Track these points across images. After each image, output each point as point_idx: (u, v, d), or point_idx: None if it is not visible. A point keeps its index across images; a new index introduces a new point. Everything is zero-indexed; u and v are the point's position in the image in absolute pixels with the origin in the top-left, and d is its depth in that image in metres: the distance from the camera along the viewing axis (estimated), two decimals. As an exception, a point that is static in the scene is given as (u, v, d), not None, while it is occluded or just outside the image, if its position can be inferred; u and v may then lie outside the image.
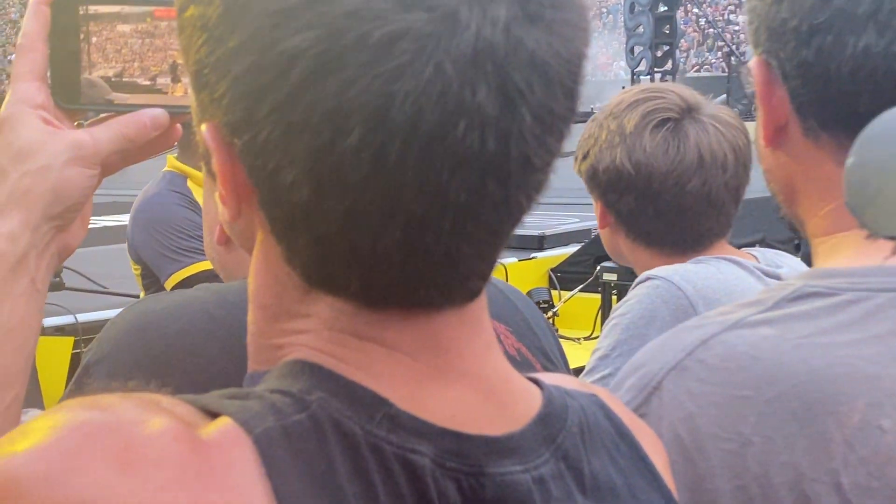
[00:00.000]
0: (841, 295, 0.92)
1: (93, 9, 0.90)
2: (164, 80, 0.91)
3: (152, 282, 3.34)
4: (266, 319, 0.67)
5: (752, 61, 0.99)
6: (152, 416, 0.57)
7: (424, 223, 0.59)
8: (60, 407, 0.59)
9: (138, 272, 3.39)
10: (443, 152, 0.57)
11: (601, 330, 4.25)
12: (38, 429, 0.57)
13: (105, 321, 3.65)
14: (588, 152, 1.80)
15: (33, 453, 0.55)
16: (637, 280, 1.76)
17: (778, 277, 1.75)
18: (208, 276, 3.23)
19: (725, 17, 35.65)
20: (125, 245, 3.41)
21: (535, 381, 0.70)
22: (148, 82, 0.90)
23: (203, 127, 0.63)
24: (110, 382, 1.12)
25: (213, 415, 0.59)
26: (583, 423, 0.69)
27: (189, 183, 3.36)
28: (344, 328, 0.63)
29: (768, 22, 0.95)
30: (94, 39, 0.89)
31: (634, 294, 1.74)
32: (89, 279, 4.63)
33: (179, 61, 0.90)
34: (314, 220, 0.60)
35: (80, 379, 1.17)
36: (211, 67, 0.60)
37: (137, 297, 4.16)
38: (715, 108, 1.79)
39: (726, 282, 1.72)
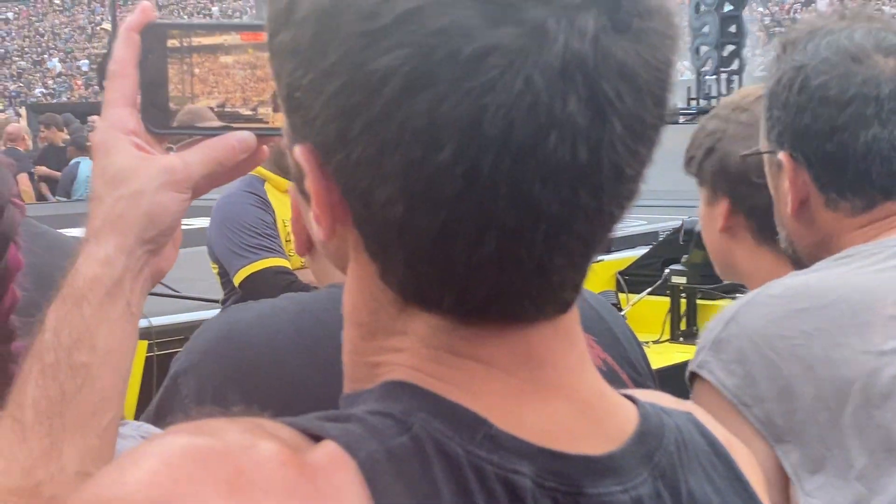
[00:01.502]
0: (872, 254, 1.33)
1: (187, 38, 0.91)
2: (265, 110, 0.92)
3: (228, 280, 3.42)
4: (362, 337, 0.67)
5: (782, 156, 1.39)
6: (259, 440, 0.58)
7: (517, 235, 0.59)
8: (168, 432, 0.60)
9: (216, 271, 3.49)
10: (535, 164, 0.57)
11: (669, 333, 4.21)
12: (148, 455, 0.58)
13: (179, 325, 3.69)
14: (713, 147, 1.73)
15: (145, 480, 0.56)
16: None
17: None
18: (274, 273, 3.34)
19: (791, 15, 35.19)
20: (199, 249, 3.47)
21: (629, 398, 0.70)
22: (250, 112, 0.92)
23: (296, 149, 0.64)
24: (198, 391, 1.14)
25: (316, 438, 0.60)
26: (679, 441, 0.68)
27: (267, 186, 3.44)
28: (440, 345, 0.63)
29: (793, 127, 1.37)
30: (196, 70, 0.91)
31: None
32: (163, 283, 4.68)
33: (273, 102, 0.92)
34: (408, 237, 0.60)
35: (169, 388, 1.19)
36: (303, 90, 0.61)
37: (210, 300, 4.21)
38: None
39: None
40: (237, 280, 3.35)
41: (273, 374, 1.11)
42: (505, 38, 0.56)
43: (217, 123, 0.92)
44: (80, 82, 39.27)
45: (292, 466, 0.57)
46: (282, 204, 3.43)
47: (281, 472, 0.56)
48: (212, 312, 4.22)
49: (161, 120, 0.91)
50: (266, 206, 3.41)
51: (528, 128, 0.56)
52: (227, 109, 0.91)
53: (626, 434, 0.66)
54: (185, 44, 0.91)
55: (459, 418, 0.61)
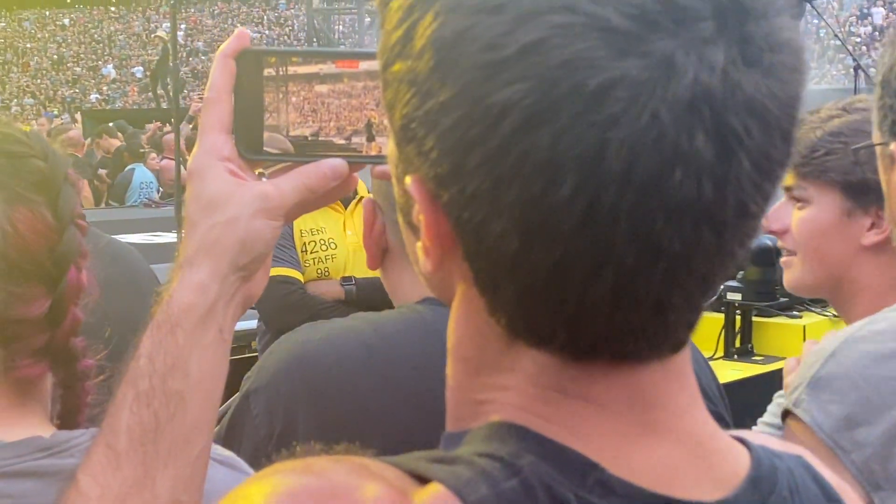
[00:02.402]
0: None
1: (283, 66, 0.91)
2: (358, 140, 0.92)
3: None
4: (467, 373, 0.66)
5: (895, 147, 1.28)
6: (366, 482, 0.57)
7: (636, 273, 0.57)
8: (273, 471, 0.59)
9: None
10: (658, 201, 0.55)
11: (724, 350, 4.17)
12: (254, 495, 0.57)
13: (239, 332, 3.68)
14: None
15: None
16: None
17: None
18: (275, 282, 3.39)
19: (847, 28, 34.83)
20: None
21: (741, 440, 0.68)
22: (343, 141, 0.92)
23: (408, 179, 0.63)
24: (268, 411, 1.15)
25: (422, 479, 0.58)
26: (792, 486, 0.66)
27: None
28: (548, 384, 0.62)
29: None
30: (293, 99, 0.91)
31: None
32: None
33: (374, 120, 0.91)
34: (522, 271, 0.58)
35: (240, 406, 1.19)
36: (419, 121, 0.60)
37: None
38: None
39: None
40: None
41: (343, 396, 1.11)
42: (631, 71, 0.54)
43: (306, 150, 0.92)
44: (134, 89, 39.68)
45: None
46: (308, 216, 3.46)
47: None
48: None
49: (254, 145, 0.91)
50: None
51: (653, 163, 0.55)
52: (321, 139, 0.91)
53: (738, 479, 0.64)
54: (281, 72, 0.91)
55: (569, 462, 0.59)
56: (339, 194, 0.92)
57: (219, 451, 1.06)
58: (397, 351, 1.13)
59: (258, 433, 1.15)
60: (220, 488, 0.72)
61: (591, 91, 0.54)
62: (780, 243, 1.78)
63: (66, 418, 1.09)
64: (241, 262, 0.87)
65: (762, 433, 0.72)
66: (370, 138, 0.92)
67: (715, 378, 1.25)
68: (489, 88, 0.56)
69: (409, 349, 1.12)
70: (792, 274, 1.75)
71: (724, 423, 1.18)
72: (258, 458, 1.08)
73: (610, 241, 0.56)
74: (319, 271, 3.54)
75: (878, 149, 1.35)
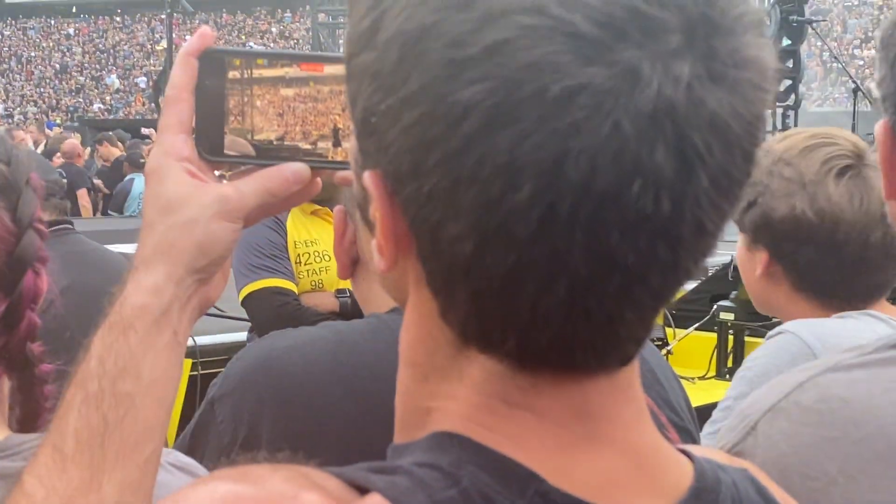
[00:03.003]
0: None
1: (247, 67, 0.90)
2: (324, 145, 0.91)
3: None
4: (415, 379, 0.65)
5: (879, 125, 1.05)
6: (302, 491, 0.56)
7: (589, 284, 0.56)
8: (210, 478, 0.59)
9: None
10: (615, 213, 0.55)
11: (716, 370, 4.18)
12: (189, 501, 0.56)
13: (224, 345, 3.70)
14: (755, 201, 1.71)
15: None
16: (770, 333, 1.72)
17: None
18: (269, 292, 3.40)
19: (850, 51, 34.91)
20: (244, 269, 3.51)
21: (685, 453, 0.67)
22: (309, 146, 0.91)
23: (366, 175, 0.62)
24: (233, 417, 1.14)
25: (361, 489, 0.58)
26: (735, 498, 0.66)
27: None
28: (494, 393, 0.61)
29: None
30: (258, 103, 0.90)
31: (764, 346, 1.70)
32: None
33: (340, 125, 0.91)
34: (475, 275, 0.58)
35: (205, 413, 1.19)
36: (380, 115, 0.59)
37: (246, 319, 4.25)
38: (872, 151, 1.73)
39: (861, 337, 1.66)
40: (240, 298, 3.44)
41: (309, 404, 1.11)
42: (596, 78, 0.53)
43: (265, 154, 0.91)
44: (140, 99, 39.78)
45: None
46: (299, 224, 3.48)
47: None
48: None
49: (215, 147, 0.90)
50: (279, 226, 3.46)
51: (612, 174, 0.54)
52: (286, 143, 0.90)
53: (681, 490, 0.64)
54: (245, 74, 0.90)
55: (510, 472, 0.59)
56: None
57: (179, 457, 1.05)
58: (363, 360, 1.13)
59: (222, 440, 1.14)
60: None
61: (554, 96, 0.53)
62: None
63: (26, 423, 1.08)
64: (198, 265, 0.86)
65: (707, 447, 0.71)
66: (336, 143, 0.91)
67: (684, 393, 1.24)
68: (452, 86, 0.55)
69: (375, 358, 1.12)
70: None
71: (689, 437, 1.18)
72: (221, 465, 1.08)
73: (565, 250, 0.55)
74: (314, 283, 3.52)
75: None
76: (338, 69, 0.91)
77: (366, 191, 0.63)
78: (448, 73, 0.55)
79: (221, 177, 0.91)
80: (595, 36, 0.54)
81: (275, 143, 0.90)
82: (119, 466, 0.82)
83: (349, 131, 0.91)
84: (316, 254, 3.52)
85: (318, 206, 3.45)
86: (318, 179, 0.91)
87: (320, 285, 3.52)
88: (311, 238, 3.51)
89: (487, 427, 0.61)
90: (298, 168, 0.89)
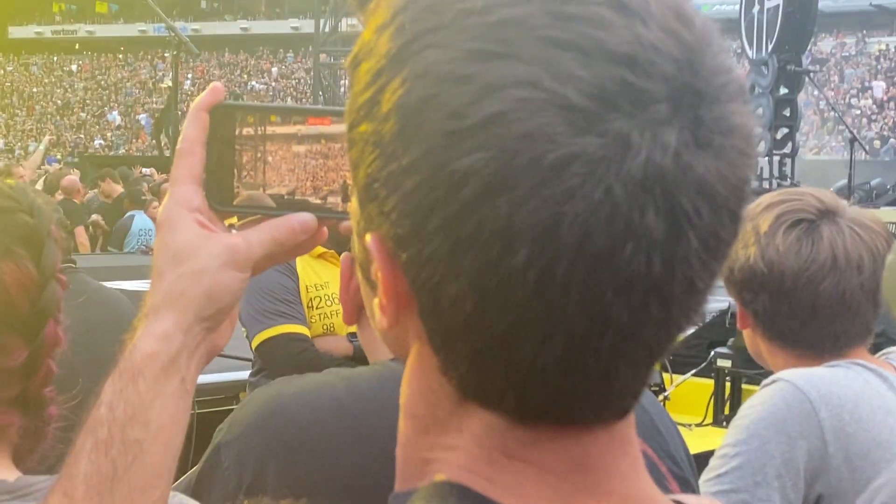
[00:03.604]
0: None
1: (260, 124, 0.93)
2: (334, 200, 0.93)
3: None
4: (416, 430, 0.66)
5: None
6: None
7: (585, 342, 0.58)
8: None
9: (245, 334, 3.50)
10: (609, 273, 0.57)
11: (713, 417, 4.17)
12: None
13: (220, 384, 3.67)
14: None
15: None
16: (765, 381, 1.75)
17: None
18: (287, 339, 3.36)
19: (847, 100, 35.09)
20: (238, 309, 3.49)
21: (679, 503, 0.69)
22: (319, 201, 0.93)
23: (368, 237, 0.64)
24: (239, 464, 1.15)
25: None
26: None
27: None
28: (494, 445, 0.62)
29: None
30: (269, 159, 0.93)
31: (759, 395, 1.72)
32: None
33: (350, 182, 0.93)
34: (475, 334, 0.60)
35: (210, 458, 1.19)
36: (382, 182, 0.61)
37: (247, 360, 4.23)
38: (857, 211, 1.78)
39: (854, 388, 1.69)
40: (254, 345, 3.39)
41: (315, 451, 1.11)
42: (588, 148, 0.55)
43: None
44: (144, 136, 39.88)
45: None
46: (309, 269, 3.45)
47: None
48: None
49: (224, 198, 0.92)
50: (290, 271, 3.42)
51: (605, 237, 0.56)
52: (296, 198, 0.93)
53: None
54: (259, 130, 0.92)
55: None
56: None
57: (183, 499, 1.06)
58: (370, 407, 1.14)
59: (227, 486, 1.14)
60: None
61: (548, 164, 0.56)
62: None
63: (17, 458, 1.09)
64: (206, 314, 0.88)
65: (705, 496, 0.73)
66: (345, 199, 0.93)
67: (683, 443, 1.25)
68: (451, 155, 0.57)
69: (382, 405, 1.13)
70: None
71: (689, 488, 1.19)
72: None
73: (561, 310, 0.57)
74: (325, 327, 3.49)
75: None
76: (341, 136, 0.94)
77: (368, 252, 0.65)
78: (447, 142, 0.57)
79: (231, 226, 0.94)
80: (586, 107, 0.56)
81: (286, 197, 0.93)
82: None
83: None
84: (327, 297, 3.47)
85: (324, 250, 3.42)
86: (325, 229, 0.93)
87: (332, 328, 3.48)
88: (322, 281, 3.47)
89: (486, 478, 0.62)
90: (305, 218, 0.92)
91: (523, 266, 0.57)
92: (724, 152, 0.58)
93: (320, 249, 3.42)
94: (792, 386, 1.68)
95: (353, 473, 1.10)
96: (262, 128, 0.93)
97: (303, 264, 3.44)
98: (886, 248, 1.74)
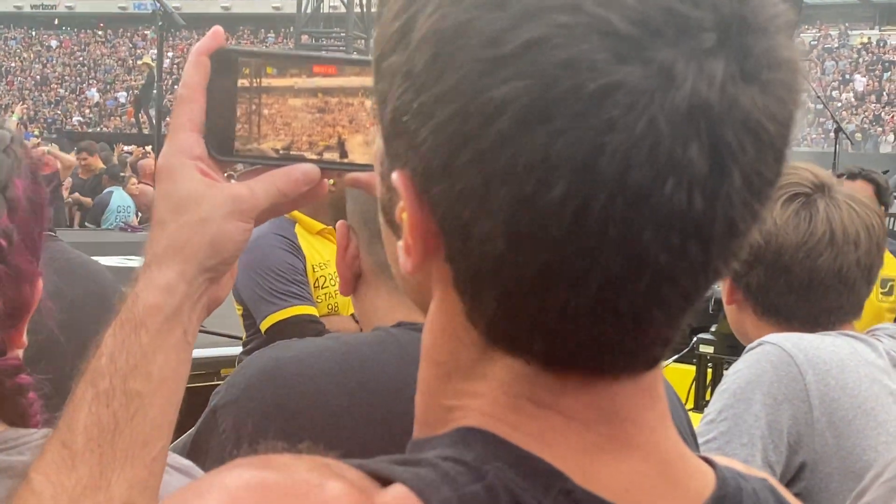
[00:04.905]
0: None
1: (258, 71, 0.90)
2: (331, 155, 0.91)
3: (252, 323, 3.35)
4: (438, 378, 0.64)
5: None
6: (327, 479, 0.55)
7: (620, 284, 0.56)
8: (232, 466, 0.58)
9: (240, 312, 3.42)
10: (648, 210, 0.54)
11: (694, 402, 4.19)
12: (214, 488, 0.56)
13: (202, 359, 3.65)
14: None
15: None
16: (751, 345, 1.73)
17: None
18: (302, 321, 3.25)
19: (828, 93, 35.29)
20: (230, 285, 3.43)
21: (707, 460, 0.67)
22: (315, 156, 0.91)
23: (394, 175, 0.62)
24: (236, 427, 1.12)
25: (384, 481, 0.57)
26: None
27: (297, 228, 3.38)
28: (521, 393, 0.60)
29: None
30: (265, 111, 0.90)
31: (744, 359, 1.72)
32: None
33: (345, 137, 0.91)
34: (505, 275, 0.57)
35: (207, 421, 1.17)
36: (412, 114, 0.59)
37: (236, 337, 4.19)
38: (849, 189, 1.78)
39: (841, 354, 1.69)
40: (264, 326, 3.28)
41: (314, 415, 1.09)
42: (631, 77, 0.53)
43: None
44: (131, 112, 39.74)
45: None
46: (312, 248, 3.38)
47: None
48: (236, 350, 4.20)
49: (225, 146, 0.89)
50: (296, 250, 3.35)
51: (646, 171, 0.53)
52: (292, 153, 0.91)
53: (703, 497, 0.63)
54: (255, 79, 0.90)
55: (535, 470, 0.58)
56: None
57: (176, 458, 1.04)
58: (371, 372, 1.12)
59: (224, 448, 1.12)
60: None
61: (589, 93, 0.53)
62: None
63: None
64: (209, 264, 0.86)
65: (726, 458, 0.71)
66: (342, 155, 0.91)
67: (687, 417, 1.24)
68: (487, 83, 0.55)
69: (383, 371, 1.11)
70: None
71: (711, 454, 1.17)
72: None
73: (597, 249, 0.55)
74: (330, 307, 3.41)
75: None
76: (348, 81, 0.91)
77: (391, 192, 0.63)
78: (483, 70, 0.55)
79: (229, 176, 0.91)
80: (630, 34, 0.54)
81: (280, 152, 0.91)
82: (128, 465, 0.82)
83: (355, 143, 0.91)
84: (331, 276, 3.39)
85: (323, 226, 3.36)
86: (325, 181, 0.91)
87: (336, 309, 3.41)
88: (325, 260, 3.39)
89: (512, 425, 0.60)
90: (308, 169, 0.90)
91: (559, 201, 0.54)
92: (771, 86, 0.56)
93: (319, 226, 3.35)
94: (779, 349, 1.67)
95: (352, 438, 1.08)
96: (264, 76, 0.90)
97: (305, 243, 3.37)
98: (881, 225, 1.74)
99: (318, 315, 3.31)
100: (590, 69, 0.53)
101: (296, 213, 3.32)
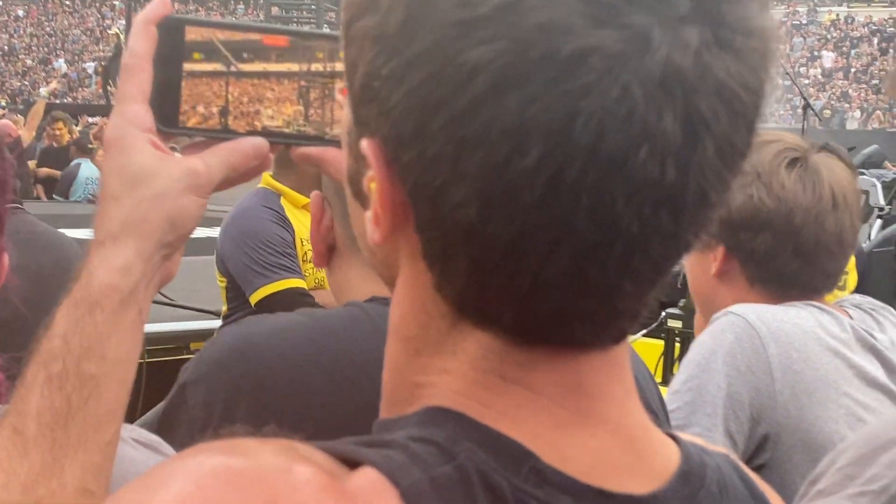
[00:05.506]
0: None
1: (207, 41, 0.89)
2: (279, 128, 0.91)
3: (236, 295, 3.32)
4: (407, 353, 0.64)
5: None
6: (295, 464, 0.55)
7: (592, 253, 0.56)
8: (197, 451, 0.57)
9: (223, 285, 3.39)
10: (621, 178, 0.54)
11: (661, 376, 4.21)
12: (178, 475, 0.54)
13: (171, 333, 3.65)
14: None
15: (174, 502, 0.53)
16: (716, 315, 1.74)
17: (875, 341, 1.74)
18: (294, 294, 3.22)
19: (796, 69, 35.35)
20: (198, 258, 3.40)
21: (671, 436, 0.68)
22: (262, 130, 0.90)
23: (364, 142, 0.61)
24: (206, 403, 1.12)
25: (353, 464, 0.57)
26: (720, 482, 0.66)
27: (283, 200, 3.35)
28: (490, 368, 0.61)
29: None
30: (212, 83, 0.89)
31: (711, 329, 1.72)
32: (160, 292, 4.65)
33: (295, 110, 0.90)
34: (476, 244, 0.57)
35: (176, 397, 1.16)
36: (383, 79, 0.58)
37: (205, 311, 4.18)
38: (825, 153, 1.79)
39: (804, 326, 1.70)
40: (255, 298, 3.24)
41: (286, 391, 1.09)
42: (606, 41, 0.53)
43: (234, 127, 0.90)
44: (101, 84, 39.26)
45: (331, 492, 0.54)
46: (299, 222, 3.34)
47: (318, 498, 0.53)
48: (205, 323, 4.19)
49: (171, 118, 0.88)
50: (285, 223, 3.32)
51: (620, 139, 0.53)
52: (240, 125, 0.90)
53: (669, 472, 0.64)
54: (202, 52, 0.88)
55: (506, 449, 0.58)
56: (255, 174, 0.90)
57: (142, 433, 1.02)
58: (342, 347, 1.12)
59: (193, 425, 1.11)
60: (142, 471, 0.69)
61: (564, 58, 0.53)
62: None
63: None
64: (167, 240, 0.84)
65: (689, 434, 0.72)
66: (292, 128, 0.90)
67: (658, 392, 1.25)
68: (461, 46, 0.54)
69: (355, 346, 1.11)
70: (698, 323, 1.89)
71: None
72: None
73: (570, 217, 0.55)
74: (317, 281, 3.38)
75: None
76: (301, 51, 0.90)
77: (359, 162, 0.62)
78: (456, 33, 0.54)
79: (173, 149, 0.89)
80: None
81: (228, 123, 0.89)
82: (81, 450, 0.80)
83: (302, 119, 0.91)
84: None
85: (308, 200, 3.33)
86: (271, 155, 0.90)
87: (322, 283, 3.37)
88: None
89: (482, 403, 0.60)
90: (258, 142, 0.89)
91: (533, 168, 0.54)
92: (745, 55, 0.56)
93: (304, 199, 3.30)
94: (743, 320, 1.68)
95: (324, 413, 1.08)
96: (212, 45, 0.89)
97: (292, 216, 3.34)
98: (858, 190, 1.77)
99: (307, 288, 3.28)
100: (565, 32, 0.53)
101: (281, 186, 3.31)
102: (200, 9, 46.29)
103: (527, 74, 0.53)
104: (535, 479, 0.58)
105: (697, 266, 1.86)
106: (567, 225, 0.55)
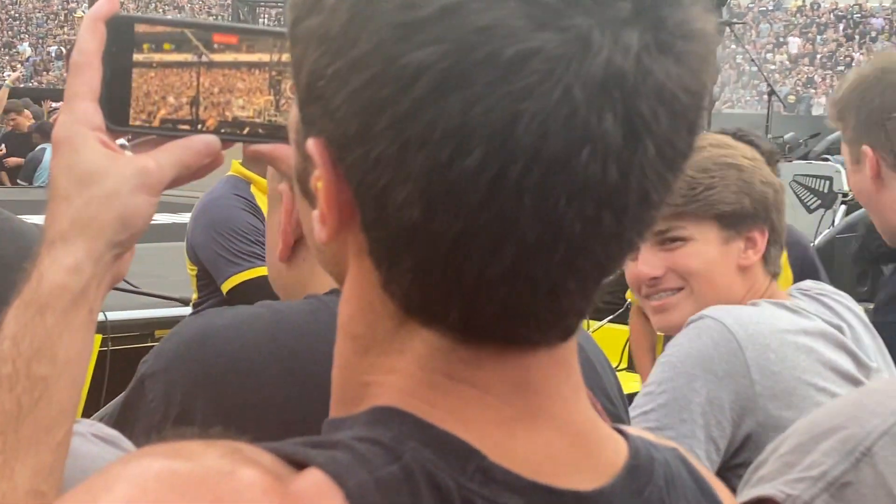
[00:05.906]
0: None
1: (155, 39, 0.88)
2: (230, 126, 0.90)
3: (207, 283, 3.31)
4: (355, 352, 0.64)
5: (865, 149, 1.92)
6: (240, 466, 0.55)
7: (535, 252, 0.57)
8: (140, 454, 0.57)
9: (194, 273, 3.37)
10: (563, 178, 0.55)
11: (627, 362, 4.23)
12: (122, 479, 0.54)
13: (135, 321, 3.62)
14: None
15: None
16: (692, 318, 1.75)
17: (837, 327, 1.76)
18: (266, 283, 3.20)
19: (762, 55, 35.54)
20: (162, 244, 3.38)
21: (619, 430, 0.69)
22: (214, 127, 0.90)
23: (309, 142, 0.61)
24: (165, 396, 1.11)
25: (299, 465, 0.57)
26: (668, 477, 0.67)
27: (252, 189, 3.33)
28: (436, 367, 0.61)
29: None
30: (162, 80, 0.88)
31: (687, 333, 1.73)
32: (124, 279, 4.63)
33: (245, 107, 0.90)
34: (421, 243, 0.58)
35: (134, 390, 1.15)
36: (327, 79, 0.58)
37: (170, 298, 4.15)
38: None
39: (780, 326, 1.72)
40: (226, 287, 3.23)
41: (245, 384, 1.08)
42: (548, 44, 0.53)
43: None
44: (67, 68, 38.94)
45: (275, 495, 0.54)
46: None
47: (262, 500, 0.54)
48: (170, 311, 4.16)
49: (120, 116, 0.87)
50: (256, 211, 3.29)
51: (562, 140, 0.54)
52: (190, 123, 0.89)
53: (616, 468, 0.65)
54: (152, 50, 0.88)
55: (451, 448, 0.59)
56: (207, 171, 0.90)
57: (102, 428, 1.02)
58: (302, 340, 1.11)
59: (153, 418, 1.11)
60: (101, 466, 0.69)
61: (506, 60, 0.53)
62: (652, 288, 1.88)
63: None
64: (118, 239, 0.84)
65: (637, 428, 0.72)
66: (241, 126, 0.90)
67: (617, 381, 1.25)
68: (404, 48, 0.55)
69: (314, 339, 1.10)
70: (680, 311, 1.84)
71: (623, 424, 1.19)
72: (152, 442, 1.05)
73: (513, 217, 0.56)
74: None
75: None
76: (250, 48, 0.90)
77: (306, 161, 0.63)
78: (399, 35, 0.55)
79: (122, 147, 0.88)
80: (547, 1, 0.54)
81: (178, 121, 0.89)
82: (32, 452, 0.79)
83: (251, 115, 0.90)
84: None
85: None
86: (223, 153, 0.90)
87: None
88: None
89: (429, 402, 0.61)
90: (210, 140, 0.88)
91: (476, 169, 0.54)
92: (685, 58, 0.57)
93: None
94: (719, 324, 1.69)
95: (283, 406, 1.08)
96: (161, 43, 0.88)
97: (262, 203, 3.28)
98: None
99: None
100: (507, 35, 0.53)
101: (250, 174, 3.29)
102: (159, 5, 45.99)
103: (469, 76, 0.54)
104: (482, 477, 0.58)
105: (720, 263, 1.84)
106: (510, 224, 0.56)
